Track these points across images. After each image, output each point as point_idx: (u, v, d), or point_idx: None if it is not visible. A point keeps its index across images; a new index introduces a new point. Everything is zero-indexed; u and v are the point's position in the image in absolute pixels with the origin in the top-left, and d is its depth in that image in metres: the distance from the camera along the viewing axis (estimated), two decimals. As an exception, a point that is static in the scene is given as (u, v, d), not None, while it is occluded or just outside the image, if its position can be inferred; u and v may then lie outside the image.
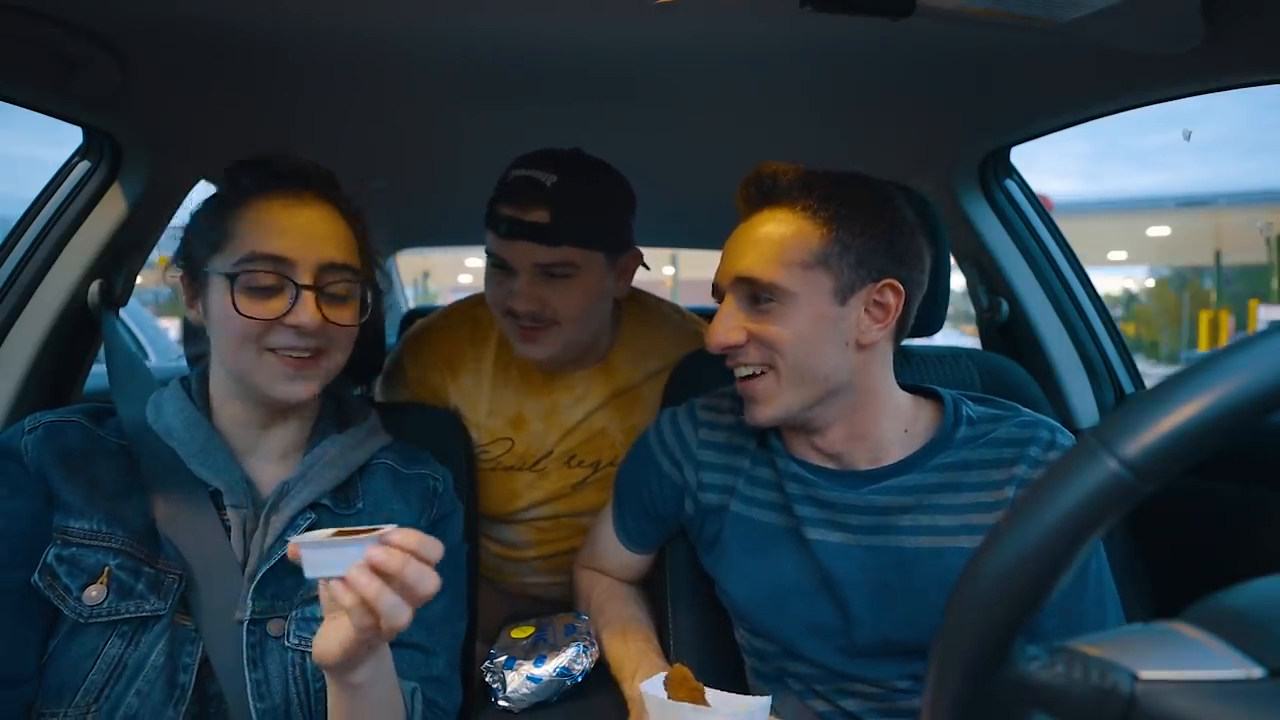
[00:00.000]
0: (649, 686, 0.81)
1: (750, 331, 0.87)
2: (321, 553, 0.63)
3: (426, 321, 1.42)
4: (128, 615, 0.80)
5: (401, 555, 0.63)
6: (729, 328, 0.88)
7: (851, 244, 0.85)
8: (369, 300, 0.92)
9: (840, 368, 0.87)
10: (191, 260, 0.89)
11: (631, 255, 1.25)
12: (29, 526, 0.81)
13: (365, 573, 0.62)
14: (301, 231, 0.86)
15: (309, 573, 0.64)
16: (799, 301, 0.85)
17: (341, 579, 0.62)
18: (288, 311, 0.84)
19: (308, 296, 0.84)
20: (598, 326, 1.26)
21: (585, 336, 1.24)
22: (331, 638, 0.67)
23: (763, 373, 0.88)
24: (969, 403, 0.93)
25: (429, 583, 0.64)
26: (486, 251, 1.19)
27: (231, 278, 0.83)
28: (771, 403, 0.88)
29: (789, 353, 0.86)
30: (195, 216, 0.91)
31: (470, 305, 1.40)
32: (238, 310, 0.83)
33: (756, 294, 0.86)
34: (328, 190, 0.91)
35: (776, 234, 0.86)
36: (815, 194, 0.87)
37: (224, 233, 0.86)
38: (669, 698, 0.79)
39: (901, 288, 0.87)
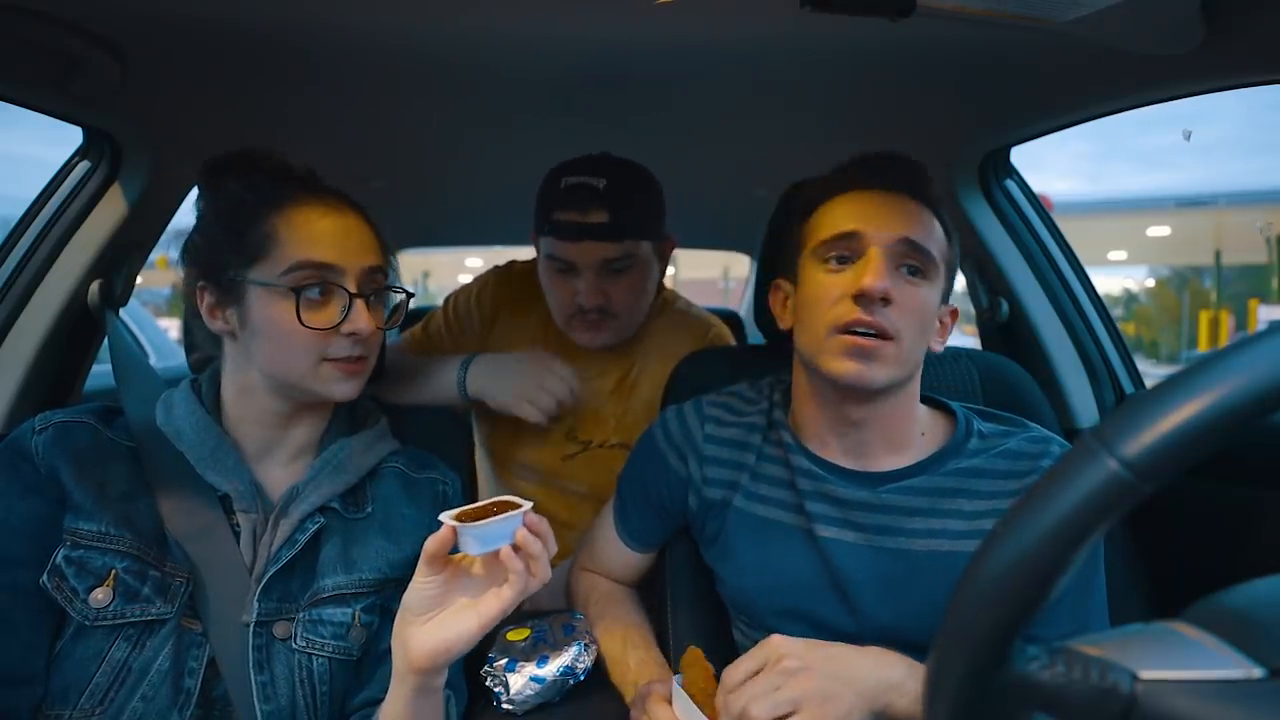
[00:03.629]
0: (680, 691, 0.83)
1: (894, 296, 0.85)
2: (485, 530, 0.70)
3: (496, 271, 1.53)
4: (133, 619, 0.80)
5: (545, 521, 0.73)
6: (892, 282, 0.84)
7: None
8: (399, 303, 0.96)
9: (919, 362, 0.91)
10: (215, 269, 0.87)
11: (668, 241, 1.38)
12: (40, 526, 0.80)
13: (531, 535, 0.71)
14: (344, 237, 0.87)
15: (475, 550, 0.71)
16: (934, 285, 0.88)
17: (511, 546, 0.71)
18: (343, 320, 0.85)
19: (359, 304, 0.86)
20: (643, 313, 1.37)
21: (637, 322, 1.37)
22: (463, 621, 0.72)
23: (889, 339, 0.86)
24: (978, 418, 0.96)
25: (555, 545, 0.74)
26: (548, 256, 1.29)
27: (296, 290, 0.83)
28: (886, 368, 0.86)
29: (914, 327, 0.86)
30: (213, 224, 0.88)
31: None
32: (301, 322, 0.83)
33: (911, 262, 0.86)
34: (341, 192, 0.92)
35: (933, 222, 0.89)
36: (943, 212, 0.91)
37: (261, 241, 0.85)
38: (682, 681, 0.81)
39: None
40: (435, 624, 0.72)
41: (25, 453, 0.82)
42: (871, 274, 0.83)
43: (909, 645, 0.89)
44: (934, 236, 0.88)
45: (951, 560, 0.87)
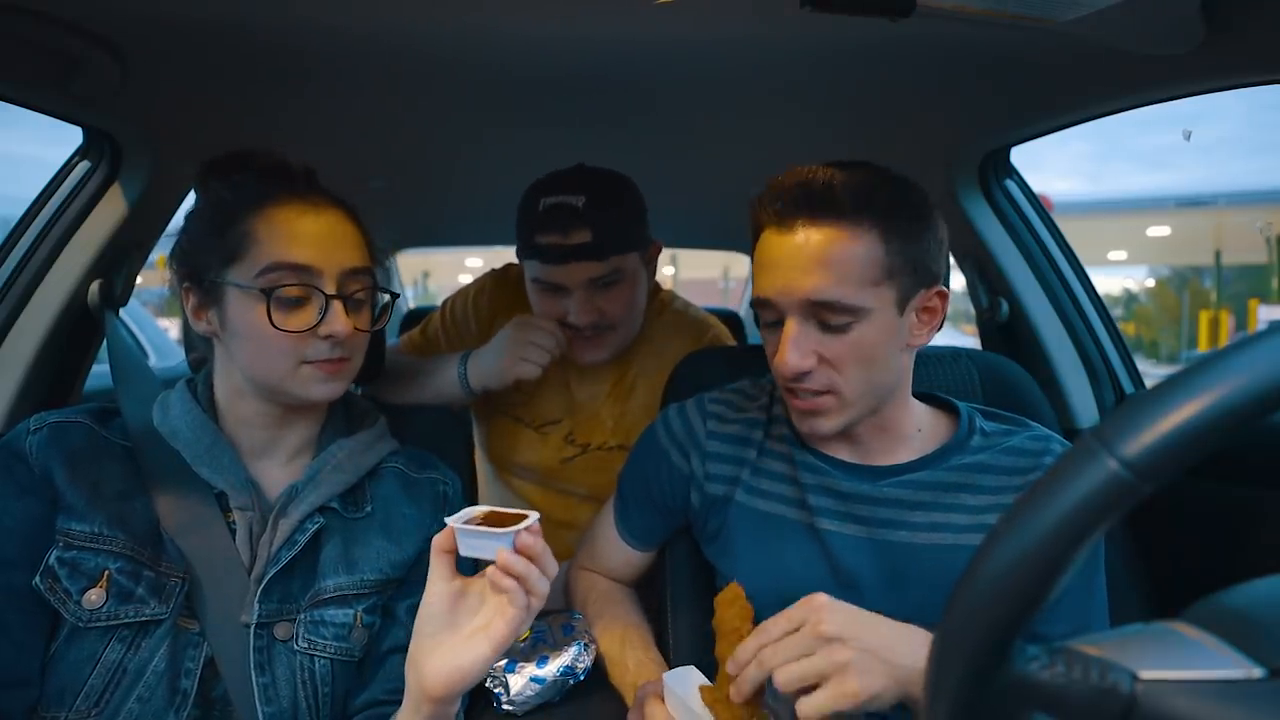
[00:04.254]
0: (673, 679, 0.81)
1: (821, 354, 0.84)
2: (474, 537, 0.70)
3: (493, 274, 1.52)
4: (127, 620, 0.80)
5: (542, 542, 0.71)
6: (803, 353, 0.83)
7: (909, 254, 0.84)
8: (385, 304, 0.94)
9: (895, 374, 0.89)
10: (198, 270, 0.86)
11: (655, 246, 1.37)
12: (34, 528, 0.80)
13: (516, 556, 0.69)
14: (322, 237, 0.85)
15: (463, 551, 0.71)
16: (873, 318, 0.83)
17: (492, 563, 0.70)
18: (319, 322, 0.84)
19: (337, 306, 0.85)
20: (638, 321, 1.37)
21: (634, 331, 1.36)
22: (475, 647, 0.70)
23: (827, 391, 0.86)
24: (981, 417, 0.96)
25: (554, 566, 0.72)
26: (534, 279, 1.28)
27: (265, 292, 0.82)
28: (834, 418, 0.88)
29: (858, 371, 0.85)
30: (197, 225, 0.88)
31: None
32: (273, 325, 0.82)
33: (831, 317, 0.83)
34: (327, 192, 0.91)
35: (848, 252, 0.82)
36: (875, 206, 0.83)
37: (239, 242, 0.84)
38: (719, 615, 0.79)
39: (947, 291, 0.89)
40: (449, 650, 0.71)
41: (20, 453, 0.82)
42: (784, 353, 0.83)
43: None
44: (850, 274, 0.81)
45: (954, 554, 0.87)
